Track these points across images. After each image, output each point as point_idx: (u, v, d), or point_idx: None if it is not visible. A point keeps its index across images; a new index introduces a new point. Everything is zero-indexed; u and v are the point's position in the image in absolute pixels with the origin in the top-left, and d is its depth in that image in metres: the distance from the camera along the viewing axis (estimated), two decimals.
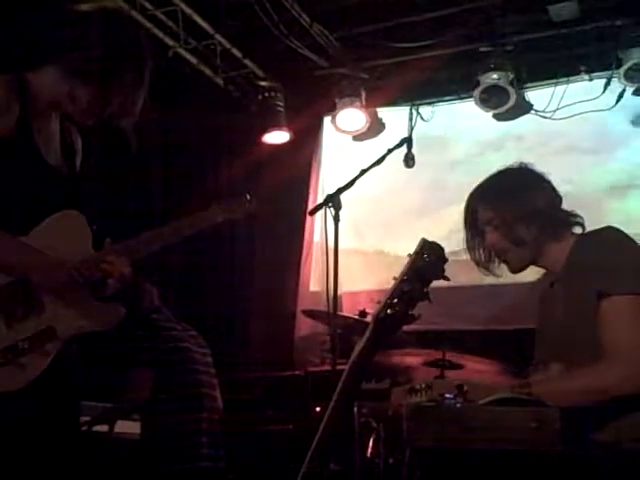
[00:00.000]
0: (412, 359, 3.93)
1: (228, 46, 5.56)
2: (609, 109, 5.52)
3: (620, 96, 5.47)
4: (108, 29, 2.30)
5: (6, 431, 2.21)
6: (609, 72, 5.42)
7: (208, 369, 4.10)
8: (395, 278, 1.62)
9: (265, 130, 6.04)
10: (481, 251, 2.70)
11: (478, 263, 2.74)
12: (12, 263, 2.27)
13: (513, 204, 2.59)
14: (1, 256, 2.25)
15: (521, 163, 2.73)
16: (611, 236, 2.51)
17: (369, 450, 3.78)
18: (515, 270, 2.66)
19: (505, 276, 2.75)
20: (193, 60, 5.55)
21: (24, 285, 2.29)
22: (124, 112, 2.36)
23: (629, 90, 5.43)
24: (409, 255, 1.63)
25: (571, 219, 2.62)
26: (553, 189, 2.68)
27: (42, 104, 2.35)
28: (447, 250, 1.69)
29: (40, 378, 2.26)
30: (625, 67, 5.18)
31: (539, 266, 2.67)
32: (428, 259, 1.58)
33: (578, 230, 2.62)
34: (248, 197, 2.84)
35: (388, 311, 1.57)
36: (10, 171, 2.27)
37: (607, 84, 5.48)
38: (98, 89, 2.29)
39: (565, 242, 2.58)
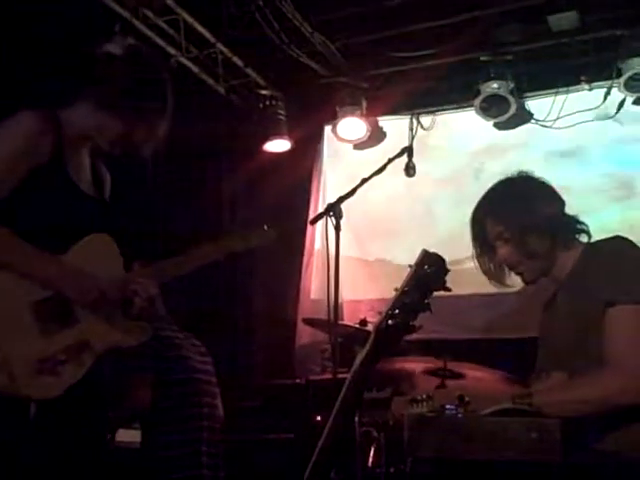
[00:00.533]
0: (413, 368, 3.93)
1: (229, 55, 5.59)
2: (609, 118, 5.53)
3: (620, 105, 5.48)
4: (135, 64, 2.53)
5: (41, 436, 2.36)
6: (609, 82, 5.43)
7: (209, 378, 4.09)
8: (396, 289, 1.63)
9: (266, 138, 6.06)
10: (492, 264, 2.69)
11: (488, 275, 2.73)
12: (51, 278, 2.44)
13: (522, 215, 2.59)
14: (42, 271, 2.43)
15: (521, 172, 2.73)
16: (619, 246, 2.51)
17: (370, 459, 3.78)
18: (529, 282, 2.65)
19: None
20: (195, 69, 5.57)
21: (60, 299, 2.45)
22: (148, 139, 2.59)
23: (629, 99, 5.44)
24: (410, 266, 1.64)
25: (578, 226, 2.62)
26: (556, 195, 2.68)
27: (73, 136, 2.53)
28: (448, 259, 1.70)
29: (74, 387, 2.40)
30: (625, 77, 5.19)
31: (550, 276, 2.66)
32: (429, 270, 1.58)
33: (584, 238, 2.63)
34: (266, 228, 3.12)
35: (389, 322, 1.58)
36: (47, 197, 2.46)
37: (607, 93, 5.49)
38: (126, 121, 2.51)
39: (573, 251, 2.58)
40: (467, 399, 1.98)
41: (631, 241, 2.52)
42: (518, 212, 2.60)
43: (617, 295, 2.35)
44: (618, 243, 2.52)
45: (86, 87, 2.53)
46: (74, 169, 2.56)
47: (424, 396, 2.18)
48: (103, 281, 2.52)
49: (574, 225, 2.63)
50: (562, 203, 2.67)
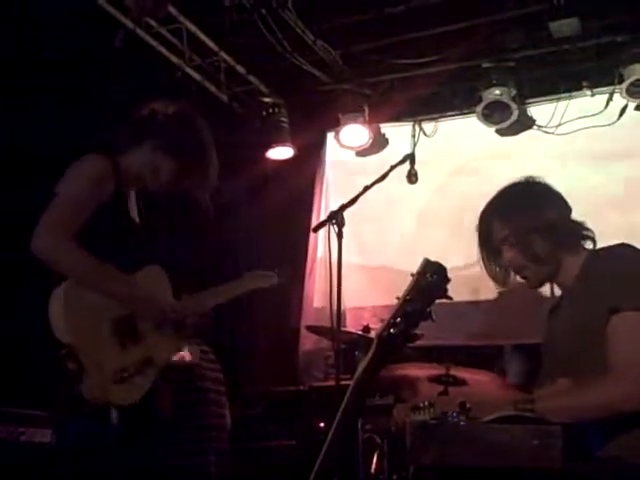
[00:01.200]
0: (416, 374, 3.93)
1: (232, 63, 5.61)
2: (611, 124, 5.54)
3: (622, 111, 5.49)
4: (181, 122, 2.96)
5: (124, 439, 2.70)
6: (611, 87, 5.44)
7: (218, 387, 4.09)
8: (398, 298, 1.64)
9: (269, 146, 6.07)
10: (497, 268, 2.70)
11: (495, 279, 2.74)
12: (129, 298, 2.82)
13: (528, 220, 2.59)
14: (122, 292, 2.80)
15: (529, 177, 2.73)
16: (624, 253, 2.51)
17: (373, 466, 3.79)
18: (535, 286, 2.66)
19: None
20: (197, 77, 5.59)
21: (132, 318, 2.81)
22: (199, 185, 2.99)
23: (631, 105, 5.45)
24: (412, 275, 1.65)
25: (583, 232, 2.63)
26: (563, 201, 2.68)
27: (130, 177, 2.91)
28: (449, 265, 1.71)
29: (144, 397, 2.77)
30: (627, 83, 5.20)
31: (557, 283, 2.67)
32: (431, 279, 1.59)
33: (589, 245, 2.63)
34: (277, 271, 3.62)
35: (391, 330, 1.59)
36: (113, 228, 2.82)
37: (609, 99, 5.50)
38: (179, 165, 2.92)
39: (578, 257, 2.58)
40: (468, 406, 1.99)
41: (635, 248, 2.52)
42: (524, 217, 2.60)
43: (621, 302, 2.35)
44: (622, 250, 2.52)
45: (142, 139, 2.93)
46: (130, 207, 2.96)
47: (426, 403, 2.18)
48: (166, 304, 2.94)
49: (580, 231, 2.63)
50: (568, 209, 2.67)
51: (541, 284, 2.66)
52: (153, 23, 5.10)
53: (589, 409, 2.33)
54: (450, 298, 1.64)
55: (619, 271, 2.43)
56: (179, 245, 5.28)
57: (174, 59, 5.34)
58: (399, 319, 1.58)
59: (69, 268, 2.68)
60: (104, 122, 4.61)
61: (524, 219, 2.60)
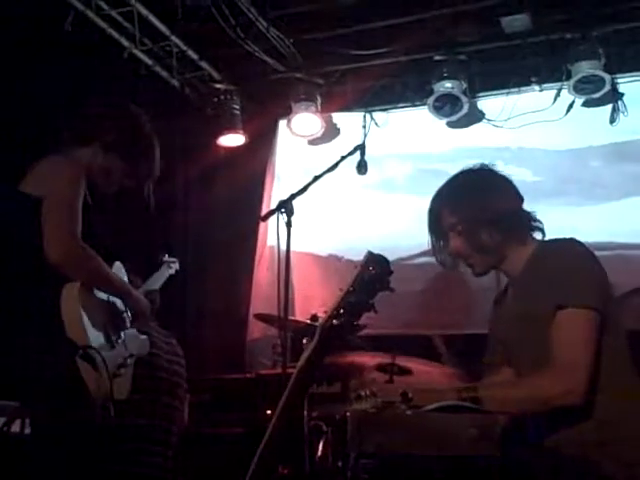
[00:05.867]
0: (363, 363, 3.97)
1: (184, 48, 5.55)
2: (559, 119, 5.63)
3: (570, 107, 5.58)
4: (121, 119, 3.11)
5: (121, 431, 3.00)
6: (559, 83, 5.53)
7: (180, 380, 4.05)
8: (341, 289, 1.65)
9: (221, 133, 6.04)
10: (446, 255, 2.71)
11: (444, 265, 2.76)
12: (127, 292, 3.04)
13: (476, 210, 2.60)
14: (122, 286, 3.02)
15: (483, 164, 2.74)
16: (572, 248, 2.54)
17: (318, 453, 3.81)
18: (478, 274, 2.68)
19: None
20: (148, 61, 5.52)
21: (117, 315, 3.01)
22: (146, 179, 3.17)
23: (579, 102, 5.55)
24: (355, 267, 1.66)
25: (533, 223, 2.65)
26: (515, 190, 2.70)
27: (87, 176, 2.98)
28: (397, 256, 1.73)
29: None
30: (574, 79, 5.28)
31: (501, 270, 2.70)
32: (374, 271, 1.61)
33: (538, 235, 2.65)
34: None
35: (334, 321, 1.60)
36: (87, 222, 2.88)
37: (557, 95, 5.59)
38: (128, 165, 3.07)
39: (526, 248, 2.60)
40: (410, 395, 2.01)
41: (583, 244, 2.54)
42: (473, 206, 2.61)
43: (568, 298, 2.39)
44: (571, 245, 2.55)
45: (90, 140, 3.03)
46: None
47: (368, 392, 2.21)
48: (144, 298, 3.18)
49: (529, 222, 2.64)
50: (520, 199, 2.68)
51: (485, 272, 2.68)
52: (104, 5, 5.02)
53: (528, 401, 2.38)
54: (392, 290, 1.66)
55: (567, 267, 2.45)
56: (127, 234, 5.26)
57: (125, 42, 5.26)
58: (342, 310, 1.60)
59: (88, 271, 2.83)
60: (52, 109, 4.60)
61: (473, 209, 2.61)
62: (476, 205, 2.62)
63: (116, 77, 5.35)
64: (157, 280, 3.57)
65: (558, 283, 2.42)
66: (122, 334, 3.02)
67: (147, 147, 3.15)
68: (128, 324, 3.09)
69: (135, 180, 3.14)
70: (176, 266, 3.86)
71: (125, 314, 3.08)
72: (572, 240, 2.57)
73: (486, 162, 2.75)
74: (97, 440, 2.78)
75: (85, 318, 2.77)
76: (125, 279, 3.16)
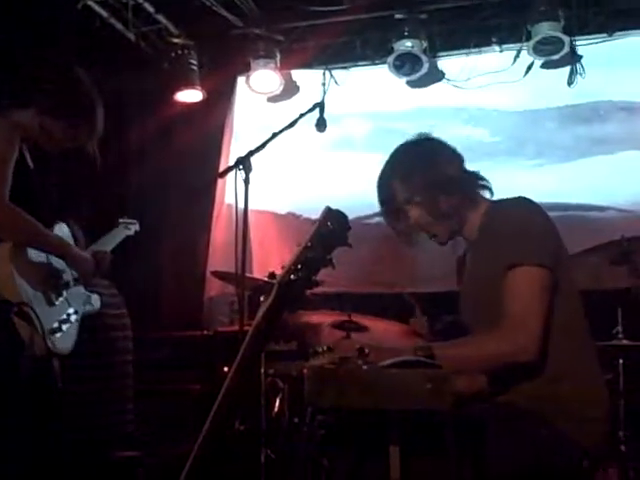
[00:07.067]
0: (320, 321, 4.00)
1: (140, 0, 5.43)
2: (518, 80, 5.65)
3: (529, 68, 5.61)
4: (74, 84, 3.05)
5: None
6: (519, 44, 5.53)
7: (125, 333, 4.06)
8: (299, 245, 1.65)
9: (178, 88, 5.95)
10: (402, 226, 2.71)
11: (400, 237, 2.77)
12: (64, 251, 3.03)
13: (428, 177, 2.60)
14: (59, 245, 3.02)
15: (420, 133, 2.75)
16: (523, 206, 2.55)
17: (275, 410, 3.86)
18: (443, 242, 2.70)
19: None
20: (104, 13, 5.39)
21: (57, 273, 3.03)
22: (89, 138, 3.10)
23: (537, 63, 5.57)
24: (313, 223, 1.66)
25: (480, 182, 2.66)
26: (456, 152, 2.71)
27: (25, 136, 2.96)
28: (355, 215, 1.73)
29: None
30: (534, 40, 5.29)
31: (463, 237, 2.72)
32: (332, 227, 1.61)
33: (487, 194, 2.68)
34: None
35: (291, 277, 1.60)
36: (24, 186, 2.88)
37: (516, 56, 5.60)
38: (68, 125, 3.03)
39: (479, 208, 2.62)
40: (367, 351, 2.03)
41: (535, 202, 2.56)
42: (424, 175, 2.61)
43: (518, 257, 2.41)
44: (522, 204, 2.56)
45: (28, 103, 2.98)
46: (28, 162, 3.00)
47: (325, 348, 2.22)
48: (89, 256, 3.19)
49: (476, 181, 2.68)
50: (461, 160, 2.71)
51: (450, 239, 2.70)
52: None
53: (483, 359, 2.40)
54: (350, 246, 1.67)
55: (516, 226, 2.47)
56: (77, 195, 5.22)
57: None
58: (300, 265, 1.60)
59: (17, 231, 2.84)
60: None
61: (425, 177, 2.61)
62: (427, 173, 2.62)
63: (69, 30, 5.22)
64: (108, 241, 3.53)
65: (508, 243, 2.45)
66: (64, 292, 3.04)
67: (87, 108, 3.08)
68: (72, 283, 3.10)
69: (77, 141, 3.10)
70: (136, 227, 3.84)
71: (66, 273, 3.08)
72: (521, 199, 2.58)
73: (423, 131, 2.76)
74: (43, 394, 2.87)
75: (17, 277, 2.79)
76: (71, 241, 3.17)
